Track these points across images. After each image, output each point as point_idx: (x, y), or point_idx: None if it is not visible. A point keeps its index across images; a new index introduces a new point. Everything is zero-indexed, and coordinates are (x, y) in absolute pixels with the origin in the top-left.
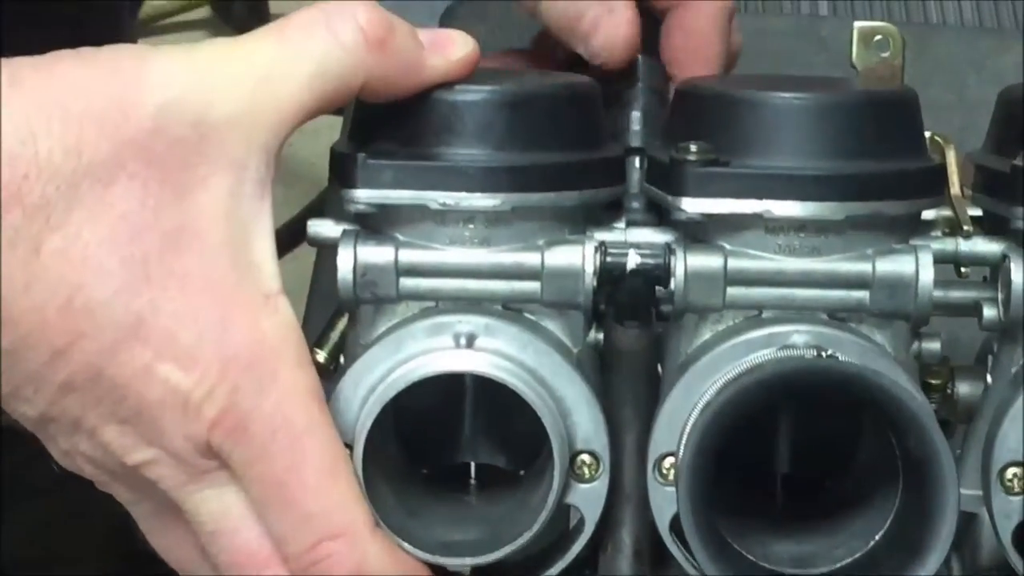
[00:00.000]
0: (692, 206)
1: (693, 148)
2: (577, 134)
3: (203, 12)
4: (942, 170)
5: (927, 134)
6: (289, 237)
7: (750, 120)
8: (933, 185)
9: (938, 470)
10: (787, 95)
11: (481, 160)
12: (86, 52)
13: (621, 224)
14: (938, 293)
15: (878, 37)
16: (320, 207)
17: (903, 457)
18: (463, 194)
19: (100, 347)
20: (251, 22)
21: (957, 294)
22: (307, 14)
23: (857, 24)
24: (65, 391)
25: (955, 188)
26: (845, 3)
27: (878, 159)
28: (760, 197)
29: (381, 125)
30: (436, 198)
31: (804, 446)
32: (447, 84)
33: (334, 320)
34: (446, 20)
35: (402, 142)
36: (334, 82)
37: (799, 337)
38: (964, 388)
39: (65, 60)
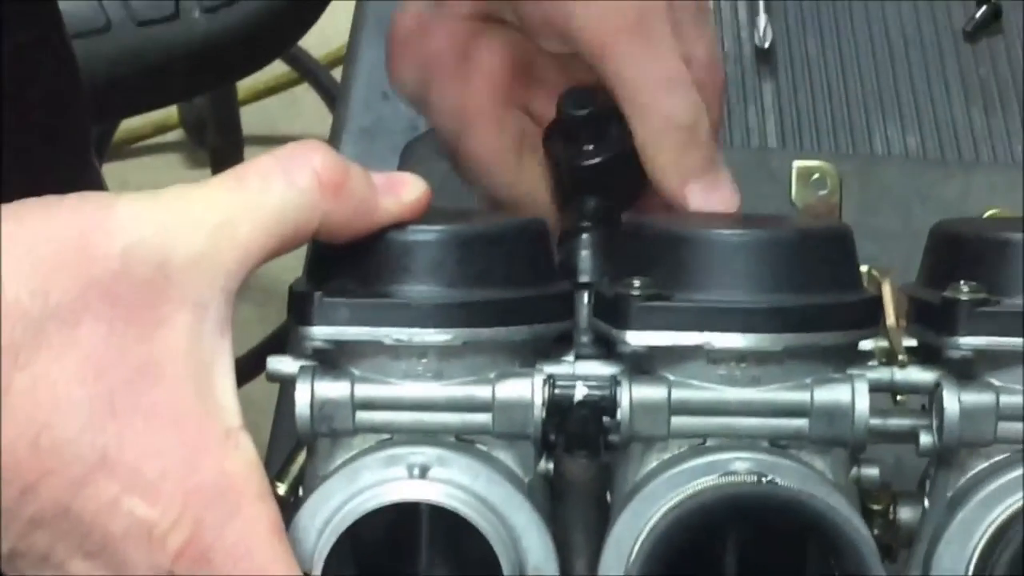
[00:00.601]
0: (636, 339)
1: (636, 283)
2: (526, 271)
3: (176, 135)
4: (877, 302)
5: (864, 268)
6: (259, 360)
7: (690, 256)
8: (868, 317)
9: None
10: (726, 232)
11: (433, 297)
12: (53, 199)
13: (570, 357)
14: (877, 421)
15: (816, 176)
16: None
17: None
18: (416, 330)
19: (67, 482)
20: (224, 145)
21: (895, 422)
22: (266, 160)
23: (796, 163)
24: (34, 526)
25: (890, 319)
26: (793, 135)
27: (815, 292)
28: (701, 330)
29: (337, 264)
30: (390, 334)
31: (752, 569)
32: (400, 224)
33: (294, 454)
34: (406, 155)
35: (357, 280)
36: (291, 226)
37: (740, 464)
38: (905, 513)
39: (32, 207)
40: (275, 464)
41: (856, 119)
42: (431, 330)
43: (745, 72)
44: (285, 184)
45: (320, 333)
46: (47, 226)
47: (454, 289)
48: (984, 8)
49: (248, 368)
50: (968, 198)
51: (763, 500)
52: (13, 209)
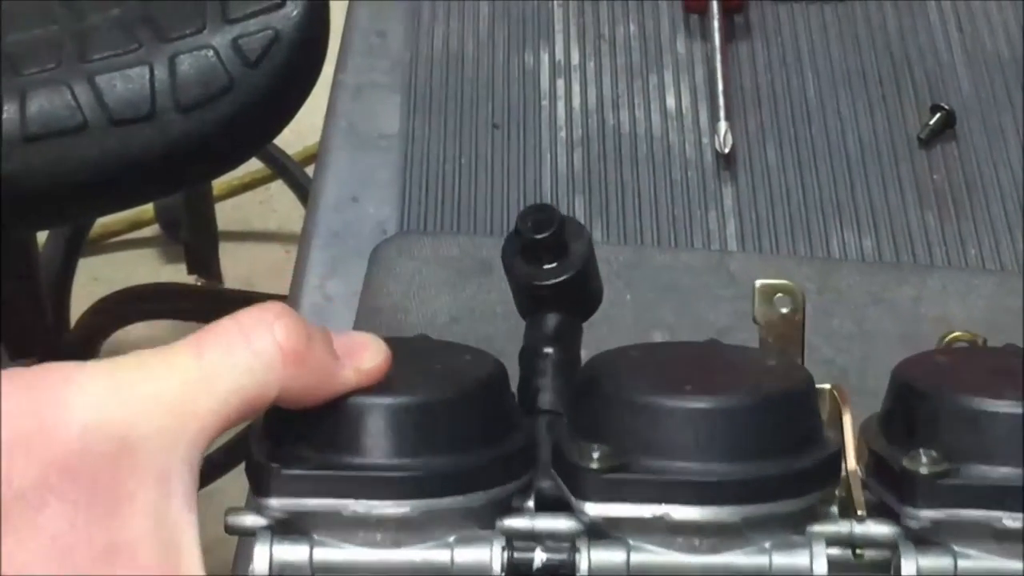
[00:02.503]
0: (594, 510)
1: (596, 455)
2: (484, 432)
3: (151, 231)
4: (836, 457)
5: (827, 387)
6: (228, 458)
7: (648, 424)
8: (827, 477)
9: None
10: (684, 401)
11: (389, 469)
12: (13, 374)
13: (530, 504)
14: (837, 551)
15: (779, 295)
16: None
17: None
18: (373, 503)
19: None
20: (198, 241)
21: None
22: (225, 327)
23: (758, 282)
24: None
25: (851, 463)
26: (753, 239)
27: (774, 458)
28: (659, 502)
29: (294, 427)
30: (347, 507)
31: None
32: (358, 392)
33: None
34: (375, 257)
35: (315, 447)
36: (250, 395)
37: None
38: None
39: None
40: None
41: (814, 222)
42: (388, 502)
43: (706, 176)
44: (245, 354)
45: (278, 504)
46: (10, 409)
47: (411, 458)
48: (938, 115)
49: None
50: (922, 301)
51: None
52: None
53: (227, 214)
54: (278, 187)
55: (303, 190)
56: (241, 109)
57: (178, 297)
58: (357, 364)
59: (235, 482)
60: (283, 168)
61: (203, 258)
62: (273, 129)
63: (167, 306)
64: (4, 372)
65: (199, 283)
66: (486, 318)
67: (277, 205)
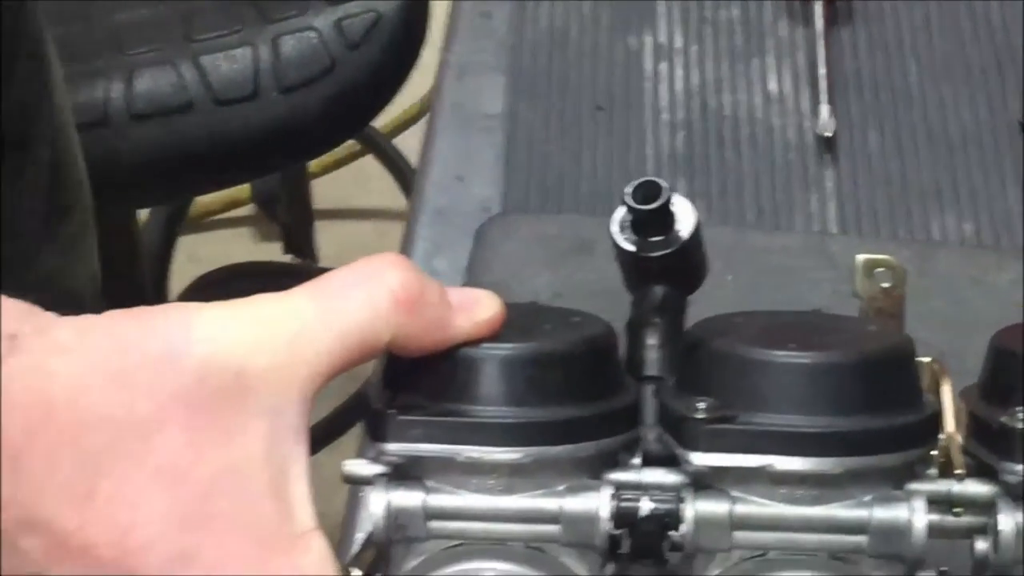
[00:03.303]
0: (701, 460)
1: (701, 406)
2: (593, 386)
3: (248, 210)
4: (935, 418)
5: (927, 359)
6: (326, 432)
7: (753, 378)
8: (927, 435)
9: None
10: (787, 355)
11: (503, 417)
12: (139, 311)
13: (637, 460)
14: (935, 517)
15: (880, 269)
16: (354, 403)
17: None
18: (486, 449)
19: None
20: (295, 220)
21: (953, 520)
22: (342, 274)
23: (860, 257)
24: None
25: (950, 427)
26: (853, 222)
27: (875, 415)
28: (764, 452)
29: (411, 376)
30: (461, 452)
31: None
32: (473, 342)
33: (366, 548)
34: (479, 235)
35: (430, 395)
36: (364, 339)
37: None
38: None
39: (119, 320)
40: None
41: (914, 206)
42: (501, 449)
43: (807, 159)
44: (361, 299)
45: (395, 449)
46: (130, 338)
47: (523, 408)
48: None
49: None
50: (1020, 285)
51: None
52: (103, 321)
53: (321, 192)
54: (371, 165)
55: (397, 168)
56: (342, 90)
57: (276, 275)
58: (471, 315)
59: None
60: (377, 146)
61: (299, 237)
62: (373, 110)
63: (265, 284)
64: (130, 310)
65: (295, 262)
66: (588, 296)
67: (372, 181)
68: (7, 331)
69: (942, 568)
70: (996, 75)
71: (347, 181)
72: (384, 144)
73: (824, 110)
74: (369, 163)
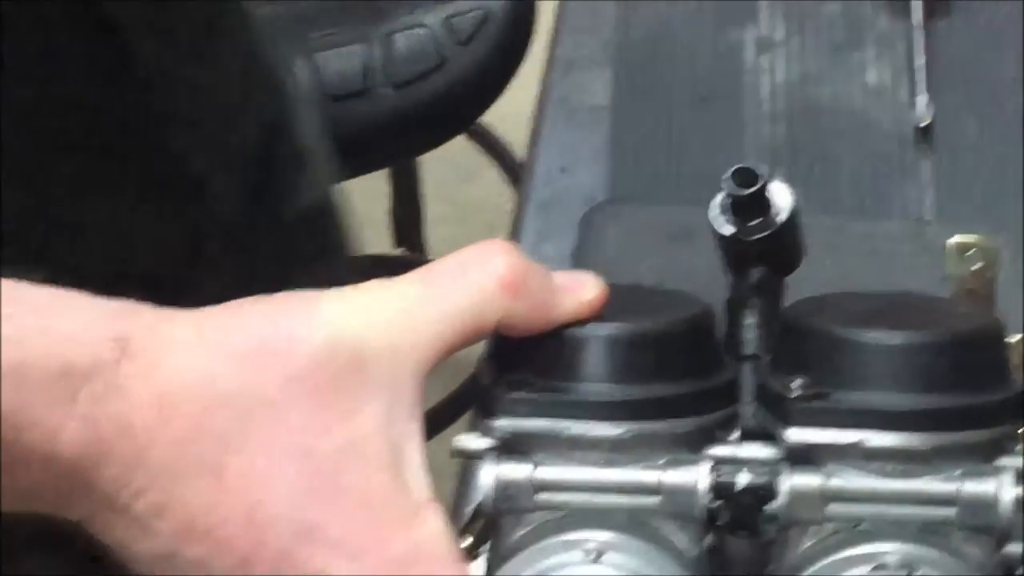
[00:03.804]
0: (795, 435)
1: (796, 384)
2: (693, 364)
3: None
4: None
5: (1017, 337)
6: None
7: (847, 357)
8: (1017, 411)
9: None
10: (881, 334)
11: (606, 394)
12: (255, 300)
13: (734, 435)
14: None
15: (972, 251)
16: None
17: None
18: (591, 424)
19: (278, 552)
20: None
21: None
22: (451, 260)
23: (951, 239)
24: None
25: None
26: (950, 208)
27: (964, 392)
28: (857, 428)
29: (518, 356)
30: (567, 428)
31: None
32: (577, 323)
33: (478, 512)
34: (585, 225)
35: (536, 374)
36: (473, 322)
37: (891, 558)
38: None
39: (237, 309)
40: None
41: (1011, 196)
42: (605, 424)
43: (904, 149)
44: (470, 283)
45: (503, 425)
46: (254, 324)
47: (626, 385)
48: None
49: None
50: None
51: None
52: (229, 309)
53: (431, 188)
54: (482, 161)
55: (504, 161)
56: (451, 86)
57: (390, 269)
58: (575, 297)
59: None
60: (487, 141)
61: (409, 230)
62: (482, 106)
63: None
64: (245, 300)
65: (405, 255)
66: (689, 281)
67: (479, 177)
68: (114, 333)
69: None
70: None
71: (456, 175)
72: (492, 138)
73: (921, 100)
74: (481, 161)
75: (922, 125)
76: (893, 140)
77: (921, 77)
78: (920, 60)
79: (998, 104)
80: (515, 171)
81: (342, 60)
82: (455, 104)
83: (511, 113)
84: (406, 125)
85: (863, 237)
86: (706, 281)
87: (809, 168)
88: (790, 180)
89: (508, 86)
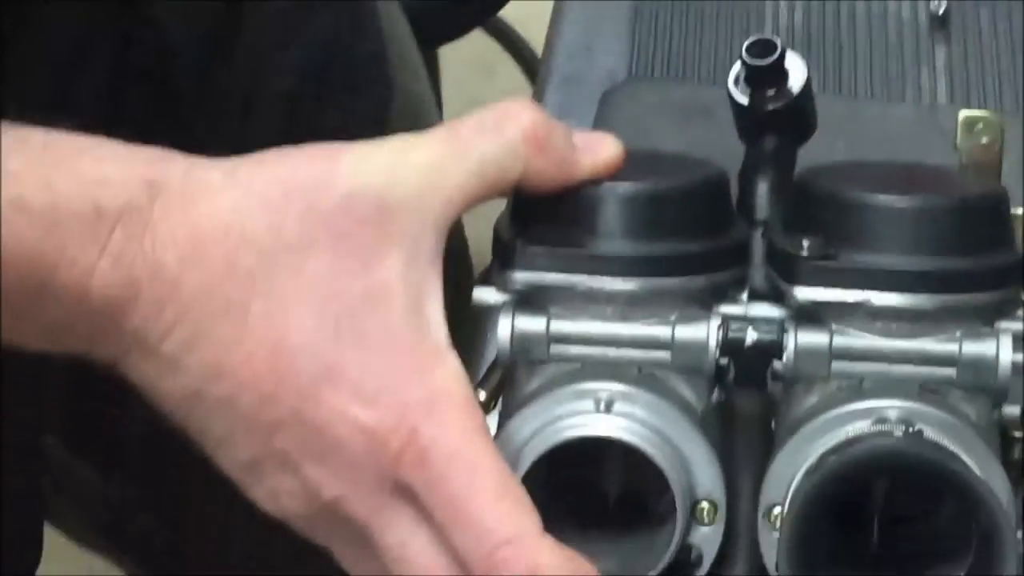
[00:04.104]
0: (803, 294)
1: (806, 243)
2: (706, 223)
3: None
4: None
5: (1020, 211)
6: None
7: (855, 218)
8: (1018, 276)
9: (1001, 546)
10: (888, 198)
11: (621, 249)
12: (288, 150)
13: (744, 296)
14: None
15: (979, 125)
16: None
17: (976, 528)
18: (605, 279)
19: (300, 391)
20: None
21: None
22: (477, 116)
23: (962, 113)
24: (273, 430)
25: None
26: (963, 96)
27: (968, 255)
28: (863, 288)
29: (537, 211)
30: (583, 282)
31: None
32: (595, 180)
33: (491, 371)
34: (604, 101)
35: (555, 229)
36: (496, 173)
37: (892, 412)
38: None
39: (270, 156)
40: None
41: (1022, 80)
42: (619, 279)
43: (920, 36)
44: (494, 136)
45: (521, 277)
46: (281, 172)
47: (640, 242)
48: None
49: None
50: None
51: (908, 457)
52: (255, 158)
53: (452, 91)
54: (503, 57)
55: (527, 60)
56: None
57: None
58: (594, 155)
59: None
60: (507, 38)
61: None
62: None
63: None
64: (272, 151)
65: None
66: (708, 156)
67: (496, 74)
68: (147, 177)
69: None
70: None
71: (475, 71)
72: (513, 34)
73: None
74: (502, 62)
75: (938, 13)
76: (908, 26)
77: None
78: None
79: None
80: (534, 67)
81: None
82: None
83: (532, 13)
84: (424, 19)
85: (877, 119)
86: (723, 156)
87: (825, 53)
88: (808, 64)
89: None
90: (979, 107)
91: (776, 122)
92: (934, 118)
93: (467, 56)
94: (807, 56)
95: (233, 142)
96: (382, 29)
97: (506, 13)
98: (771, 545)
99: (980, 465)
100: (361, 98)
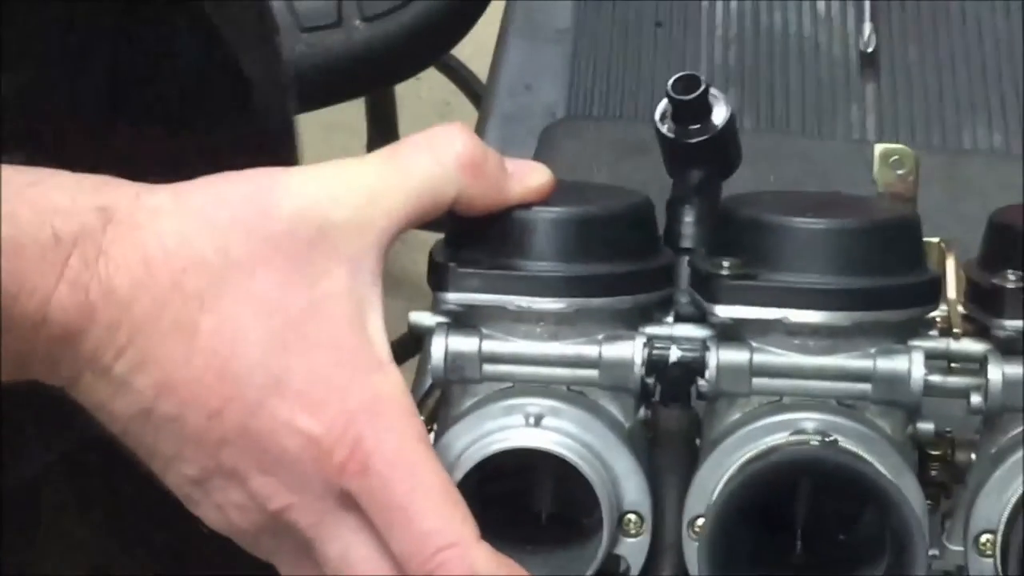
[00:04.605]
0: (723, 312)
1: (726, 264)
2: (632, 246)
3: None
4: (938, 281)
5: (935, 239)
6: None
7: (773, 240)
8: (929, 296)
9: (912, 548)
10: (805, 220)
11: (550, 270)
12: (233, 174)
13: (669, 318)
14: (937, 378)
15: (895, 157)
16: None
17: (889, 532)
18: (535, 299)
19: (247, 406)
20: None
21: (953, 380)
22: (415, 138)
23: (878, 146)
24: (221, 446)
25: (951, 292)
26: (891, 131)
27: (881, 274)
28: (780, 306)
29: (471, 237)
30: (513, 302)
31: (818, 514)
32: (526, 205)
33: (429, 392)
34: (544, 138)
35: (487, 252)
36: (432, 196)
37: (809, 424)
38: (960, 456)
39: (216, 180)
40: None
41: (948, 118)
42: (548, 299)
43: (850, 73)
44: (430, 160)
45: (453, 298)
46: (228, 195)
47: (569, 263)
48: None
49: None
50: None
51: (824, 463)
52: (203, 182)
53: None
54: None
55: (475, 93)
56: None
57: None
58: (525, 181)
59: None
60: (461, 76)
61: None
62: (451, 39)
63: None
64: (220, 174)
65: None
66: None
67: (457, 114)
68: (98, 204)
69: (947, 429)
70: None
71: (432, 110)
72: (467, 72)
73: (867, 27)
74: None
75: (867, 51)
76: (839, 65)
77: (867, 5)
78: None
79: (938, 31)
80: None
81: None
82: (425, 36)
83: (488, 48)
84: (378, 56)
85: (807, 155)
86: (656, 191)
87: (758, 91)
88: (740, 101)
89: (481, 20)
90: (907, 142)
91: (701, 155)
92: (862, 153)
93: (424, 93)
94: (740, 93)
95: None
96: None
97: (459, 51)
98: (695, 555)
99: (894, 474)
100: None
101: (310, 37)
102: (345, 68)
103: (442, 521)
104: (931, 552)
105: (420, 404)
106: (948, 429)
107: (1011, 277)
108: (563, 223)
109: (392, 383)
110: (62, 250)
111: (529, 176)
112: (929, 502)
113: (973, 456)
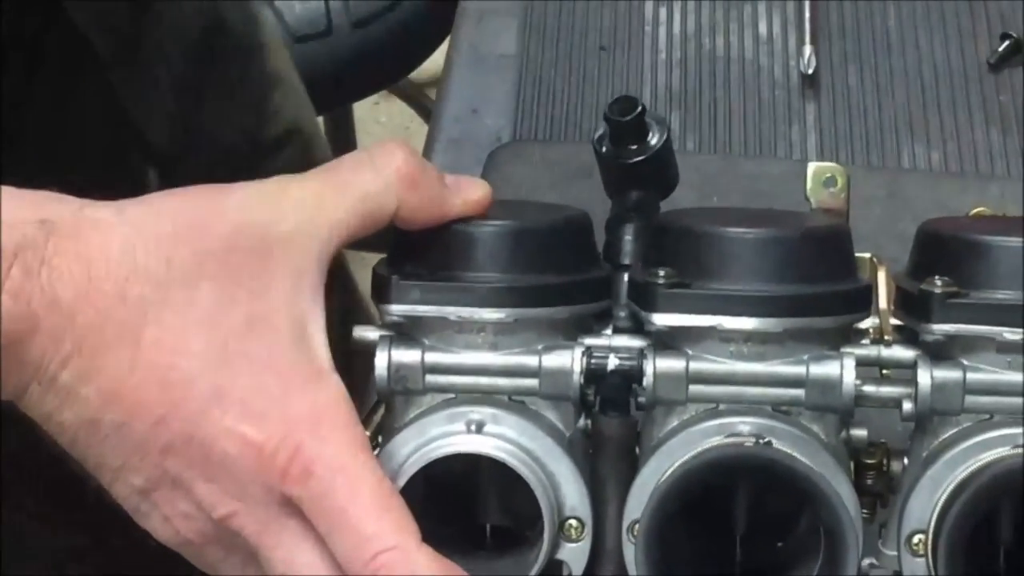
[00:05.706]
0: (660, 320)
1: (661, 273)
2: (570, 258)
3: None
4: (869, 289)
5: (867, 255)
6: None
7: (707, 250)
8: (860, 303)
9: (843, 542)
10: (738, 230)
11: (490, 281)
12: (176, 190)
13: (608, 330)
14: (871, 388)
15: (828, 175)
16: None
17: (822, 528)
18: (475, 309)
19: (190, 414)
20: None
21: (886, 390)
22: (355, 154)
23: (811, 165)
24: (165, 454)
25: (883, 302)
26: (831, 151)
27: (813, 283)
28: (714, 313)
29: (412, 250)
30: (454, 312)
31: (758, 514)
32: (465, 219)
33: (374, 408)
34: (491, 162)
35: (428, 265)
36: (372, 209)
37: (744, 427)
38: (896, 466)
39: (158, 196)
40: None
41: (888, 138)
42: (488, 309)
43: (791, 95)
44: (371, 174)
45: (396, 310)
46: (171, 208)
47: (508, 274)
48: (1007, 43)
49: None
50: (982, 207)
51: (756, 460)
52: (143, 199)
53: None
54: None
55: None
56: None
57: None
58: (464, 195)
59: None
60: (421, 104)
61: None
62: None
63: None
64: (163, 191)
65: None
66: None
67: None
68: (39, 216)
69: (882, 439)
70: (968, 20)
71: (389, 132)
72: (426, 100)
73: (807, 50)
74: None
75: (808, 73)
76: (781, 87)
77: (808, 29)
78: (807, 13)
79: (878, 54)
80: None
81: (304, 2)
82: (409, 41)
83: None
84: (366, 62)
85: (750, 176)
86: (602, 214)
87: (701, 113)
88: (683, 124)
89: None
90: (847, 161)
91: (638, 175)
92: (804, 173)
93: (383, 118)
94: (683, 115)
95: None
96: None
97: (417, 77)
98: (635, 560)
99: (827, 475)
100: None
101: (300, 48)
102: (336, 76)
103: (383, 525)
104: (869, 561)
105: (366, 420)
106: (883, 439)
107: (938, 283)
108: (502, 235)
109: (332, 392)
110: (3, 261)
111: (468, 190)
112: (865, 511)
113: (906, 461)
